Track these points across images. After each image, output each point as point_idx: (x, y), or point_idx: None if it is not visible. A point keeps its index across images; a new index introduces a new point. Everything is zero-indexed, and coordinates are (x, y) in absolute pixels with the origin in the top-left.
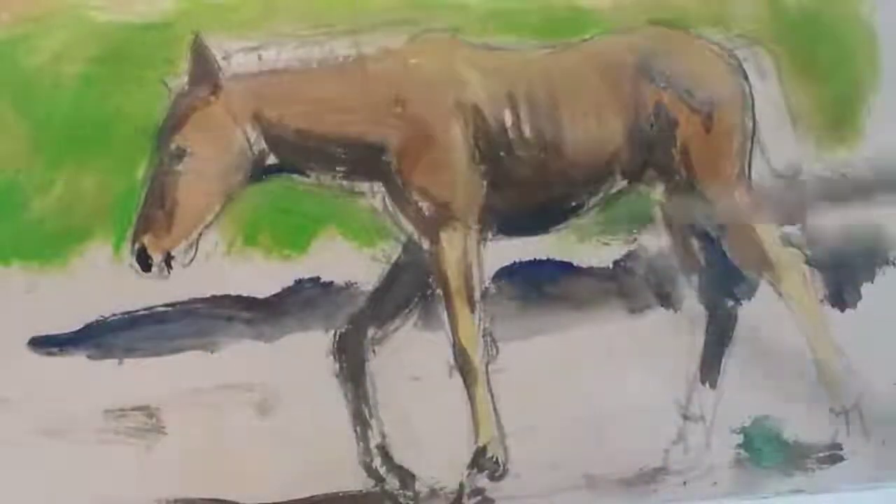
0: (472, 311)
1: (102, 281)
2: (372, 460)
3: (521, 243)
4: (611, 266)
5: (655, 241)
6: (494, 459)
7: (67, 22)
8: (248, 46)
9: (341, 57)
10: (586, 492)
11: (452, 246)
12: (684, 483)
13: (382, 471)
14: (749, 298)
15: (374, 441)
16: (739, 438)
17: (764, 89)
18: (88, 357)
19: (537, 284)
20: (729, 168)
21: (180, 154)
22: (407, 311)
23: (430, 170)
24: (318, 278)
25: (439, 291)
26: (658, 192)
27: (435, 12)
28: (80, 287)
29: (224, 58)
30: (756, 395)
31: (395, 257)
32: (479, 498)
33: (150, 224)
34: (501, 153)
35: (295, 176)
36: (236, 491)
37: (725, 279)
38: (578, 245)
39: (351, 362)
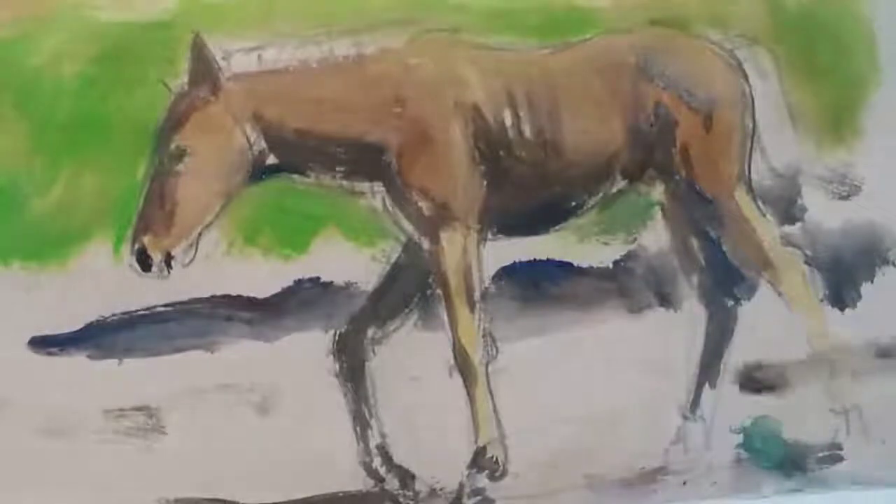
0: (472, 311)
1: (102, 281)
2: (372, 460)
3: (521, 243)
4: (611, 266)
5: (655, 241)
6: (494, 459)
7: (67, 22)
8: (248, 46)
9: (341, 57)
10: (586, 492)
11: (452, 246)
12: (684, 483)
13: (382, 471)
14: (749, 298)
15: (374, 441)
16: (739, 438)
17: (764, 89)
18: (88, 357)
19: (537, 284)
20: (729, 168)
21: (180, 154)
22: (407, 311)
23: (430, 170)
24: (318, 278)
25: (439, 291)
26: (658, 192)
27: (435, 12)
28: (80, 287)
29: (224, 58)
30: (756, 395)
31: (395, 257)
32: (479, 498)
33: (150, 224)
34: (501, 153)
35: (295, 176)
36: (236, 491)
37: (725, 279)
38: (578, 245)
39: (351, 362)
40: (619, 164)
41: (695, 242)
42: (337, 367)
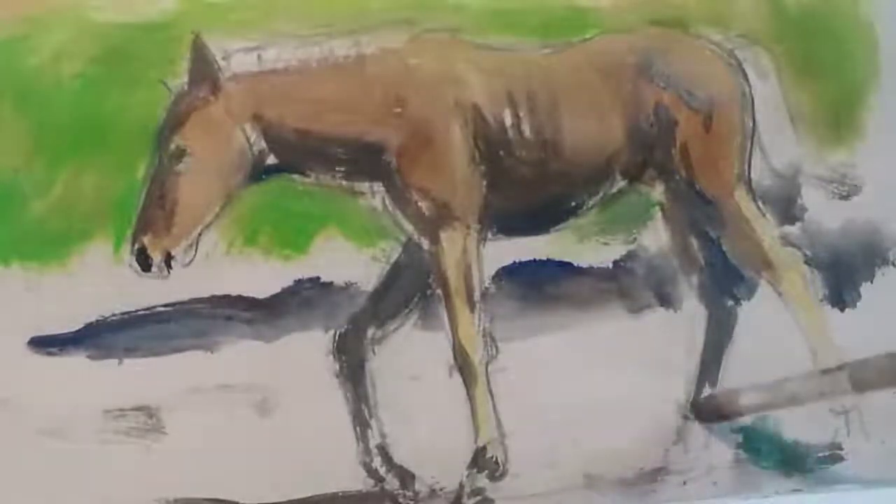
0: (472, 311)
1: (102, 281)
2: (372, 460)
3: (521, 243)
4: (611, 266)
5: (655, 241)
6: (494, 459)
7: (67, 22)
8: (248, 46)
9: (341, 57)
10: (586, 492)
11: (452, 246)
12: (684, 483)
13: (382, 471)
14: (749, 298)
15: (374, 441)
16: (739, 438)
17: (764, 89)
18: (88, 357)
19: (537, 284)
20: (728, 168)
21: (180, 154)
22: (407, 311)
23: (430, 170)
24: (318, 278)
25: (439, 291)
26: (658, 192)
27: (435, 12)
28: (80, 287)
29: (224, 58)
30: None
31: (395, 257)
32: (479, 498)
33: (150, 224)
34: (501, 153)
35: (295, 176)
36: (236, 491)
37: (725, 279)
38: (578, 245)
39: (351, 362)
40: (619, 164)
41: (695, 242)
42: (337, 367)
